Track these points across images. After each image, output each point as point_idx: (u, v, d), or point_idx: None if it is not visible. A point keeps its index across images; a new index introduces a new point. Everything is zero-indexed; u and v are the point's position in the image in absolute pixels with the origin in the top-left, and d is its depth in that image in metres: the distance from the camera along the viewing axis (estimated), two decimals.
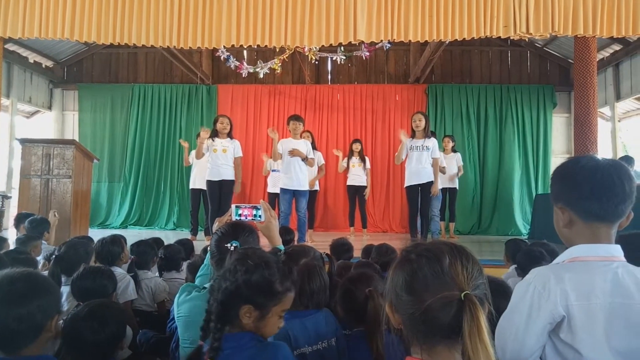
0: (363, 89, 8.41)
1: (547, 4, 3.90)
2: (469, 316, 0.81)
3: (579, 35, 4.07)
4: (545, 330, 1.06)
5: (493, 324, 0.84)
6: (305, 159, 5.36)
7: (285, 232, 4.03)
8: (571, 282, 1.05)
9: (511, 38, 4.03)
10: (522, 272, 2.51)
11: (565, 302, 1.04)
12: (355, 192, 6.69)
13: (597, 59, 6.48)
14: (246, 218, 1.93)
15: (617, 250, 1.12)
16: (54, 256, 2.38)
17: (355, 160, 6.69)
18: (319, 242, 5.50)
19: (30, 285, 1.30)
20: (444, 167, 6.29)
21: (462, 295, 0.83)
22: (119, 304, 2.21)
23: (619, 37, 4.14)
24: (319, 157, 6.11)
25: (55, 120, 8.76)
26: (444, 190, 6.54)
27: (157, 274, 3.13)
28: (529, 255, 2.60)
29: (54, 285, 1.42)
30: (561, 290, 1.04)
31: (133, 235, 5.71)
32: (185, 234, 6.51)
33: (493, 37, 4.02)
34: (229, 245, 1.60)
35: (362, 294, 1.63)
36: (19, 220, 4.03)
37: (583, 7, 3.91)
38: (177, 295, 1.69)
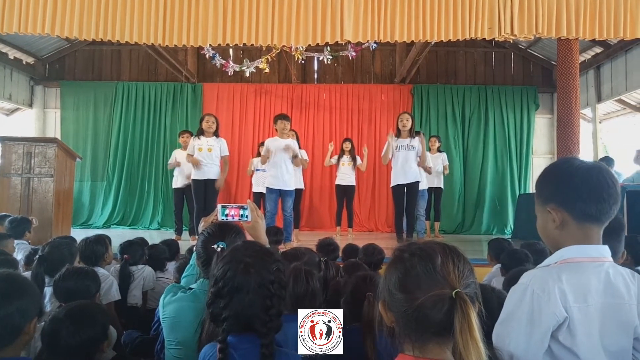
0: (349, 89, 8.43)
1: (532, 6, 3.95)
2: (460, 313, 0.82)
3: (562, 37, 4.13)
4: (549, 333, 1.04)
5: (483, 323, 0.85)
6: (294, 157, 5.36)
7: (275, 232, 4.01)
8: (568, 284, 1.05)
9: (496, 39, 4.08)
10: (507, 271, 2.54)
11: (565, 304, 1.04)
12: (344, 192, 6.68)
13: (579, 61, 6.58)
14: (233, 218, 1.91)
15: (606, 251, 1.13)
16: (37, 257, 2.33)
17: (345, 159, 6.68)
18: (305, 241, 5.49)
19: (10, 287, 1.28)
20: (429, 167, 6.33)
21: (454, 292, 0.84)
22: (100, 305, 2.17)
23: (601, 39, 4.21)
24: (303, 155, 6.11)
25: (37, 118, 8.58)
26: (429, 189, 6.59)
27: None
28: (514, 256, 2.64)
29: (34, 287, 1.39)
30: (560, 291, 1.04)
31: (117, 235, 5.64)
32: (170, 233, 6.45)
33: (478, 38, 4.06)
34: (215, 246, 1.59)
35: (364, 294, 1.62)
36: None
37: (566, 10, 3.98)
38: (163, 297, 1.66)
